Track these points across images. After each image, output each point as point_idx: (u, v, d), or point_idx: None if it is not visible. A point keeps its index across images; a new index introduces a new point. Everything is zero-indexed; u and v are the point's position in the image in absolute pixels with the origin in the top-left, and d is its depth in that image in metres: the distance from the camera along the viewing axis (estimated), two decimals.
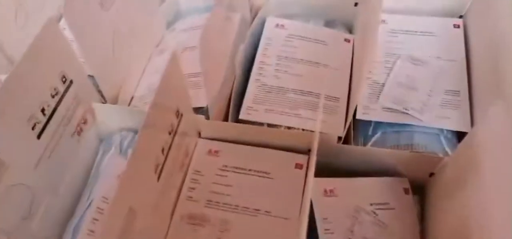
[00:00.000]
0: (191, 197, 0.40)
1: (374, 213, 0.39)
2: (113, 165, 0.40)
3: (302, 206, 0.38)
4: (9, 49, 0.46)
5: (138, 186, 0.31)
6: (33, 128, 0.35)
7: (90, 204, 0.39)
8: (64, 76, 0.37)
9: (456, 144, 0.43)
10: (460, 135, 0.44)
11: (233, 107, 0.46)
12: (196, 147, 0.43)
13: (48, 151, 0.37)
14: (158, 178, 0.34)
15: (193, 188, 0.40)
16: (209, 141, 0.43)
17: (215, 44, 0.42)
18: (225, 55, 0.46)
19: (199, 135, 0.44)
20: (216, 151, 0.42)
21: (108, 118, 0.43)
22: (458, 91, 0.45)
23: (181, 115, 0.37)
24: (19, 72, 0.33)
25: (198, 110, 0.44)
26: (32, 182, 0.36)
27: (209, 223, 0.38)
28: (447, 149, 0.43)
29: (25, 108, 0.33)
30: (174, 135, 0.35)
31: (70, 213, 0.41)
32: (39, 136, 0.35)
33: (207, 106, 0.43)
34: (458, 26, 0.50)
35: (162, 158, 0.34)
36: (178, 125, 0.36)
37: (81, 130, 0.41)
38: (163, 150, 0.34)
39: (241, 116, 0.46)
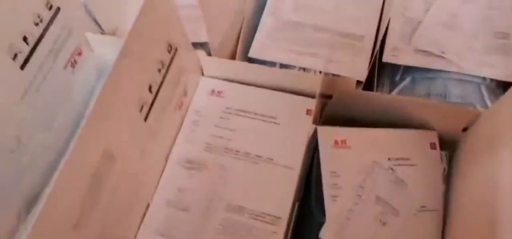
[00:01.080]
0: (189, 140, 0.37)
1: (391, 169, 0.34)
2: None
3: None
4: None
5: (115, 126, 0.27)
6: (14, 58, 0.32)
7: None
8: (48, 2, 0.34)
9: (499, 97, 0.37)
10: (506, 87, 0.37)
11: (242, 43, 0.41)
12: (198, 86, 0.39)
13: (35, 84, 0.34)
14: (145, 118, 0.30)
15: (192, 130, 0.37)
16: (213, 80, 0.39)
17: None
18: None
19: (202, 73, 0.39)
20: (220, 92, 0.38)
21: (106, 50, 0.40)
22: (509, 34, 0.38)
23: (175, 49, 0.32)
24: None
25: (203, 45, 0.40)
26: (18, 115, 0.33)
27: (207, 169, 0.35)
28: (488, 102, 0.36)
29: (3, 36, 0.30)
30: (166, 73, 0.32)
31: (66, 147, 0.39)
32: (22, 67, 0.33)
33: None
34: None
35: (149, 96, 0.30)
36: (171, 61, 0.32)
37: (75, 62, 0.38)
38: (150, 87, 0.30)
39: (250, 54, 0.41)
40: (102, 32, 0.41)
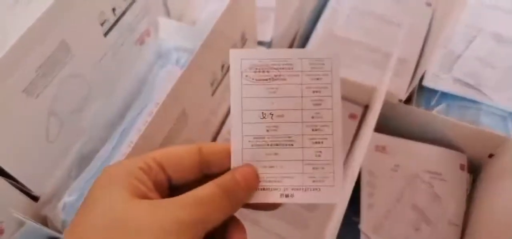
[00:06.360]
0: None
1: (430, 183, 0.37)
2: (170, 77, 0.41)
3: (348, 156, 0.37)
4: None
5: (193, 92, 0.30)
6: (102, 24, 0.35)
7: (142, 110, 0.40)
8: None
9: None
10: None
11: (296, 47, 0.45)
12: None
13: (111, 52, 0.38)
14: (213, 92, 0.34)
15: None
16: None
17: None
18: None
19: None
20: None
21: (169, 35, 0.43)
22: None
23: (246, 40, 0.36)
24: None
25: (260, 44, 0.44)
26: (92, 76, 0.37)
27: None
28: None
29: (96, 3, 0.34)
30: None
31: (121, 118, 0.42)
32: (106, 34, 0.36)
33: (271, 40, 0.42)
34: None
35: (220, 74, 0.34)
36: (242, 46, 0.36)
37: (143, 41, 0.42)
38: (222, 67, 0.34)
39: None
40: (169, 17, 0.45)
